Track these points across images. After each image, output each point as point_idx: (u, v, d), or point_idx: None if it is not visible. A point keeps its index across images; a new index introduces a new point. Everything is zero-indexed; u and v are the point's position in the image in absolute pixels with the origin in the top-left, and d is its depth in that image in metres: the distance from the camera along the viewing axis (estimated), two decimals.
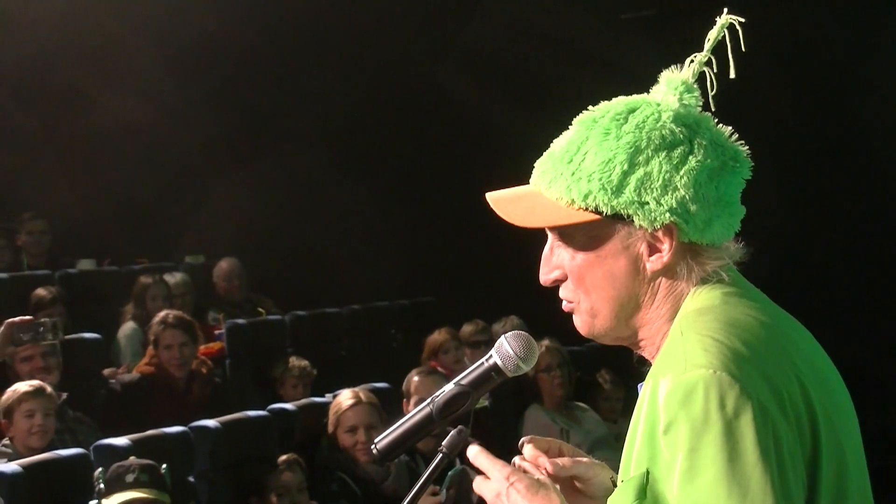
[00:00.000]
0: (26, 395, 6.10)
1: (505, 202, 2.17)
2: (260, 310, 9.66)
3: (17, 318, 6.77)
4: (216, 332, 8.91)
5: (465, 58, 10.80)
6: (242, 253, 10.07)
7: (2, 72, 10.59)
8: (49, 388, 6.23)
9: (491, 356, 2.26)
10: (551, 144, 2.18)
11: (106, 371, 7.98)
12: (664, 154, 2.07)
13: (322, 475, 6.34)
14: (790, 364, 2.00)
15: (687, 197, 2.06)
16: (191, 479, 6.33)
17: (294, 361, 8.16)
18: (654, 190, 2.06)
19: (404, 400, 6.84)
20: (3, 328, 6.70)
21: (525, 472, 2.16)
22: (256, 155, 11.06)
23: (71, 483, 5.81)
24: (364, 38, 10.87)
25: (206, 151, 11.05)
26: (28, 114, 10.93)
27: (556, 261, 2.17)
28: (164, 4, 10.40)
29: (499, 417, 7.47)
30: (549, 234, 2.18)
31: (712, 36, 2.16)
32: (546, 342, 7.65)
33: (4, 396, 6.15)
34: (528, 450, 2.25)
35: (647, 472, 1.96)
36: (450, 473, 5.60)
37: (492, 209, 2.18)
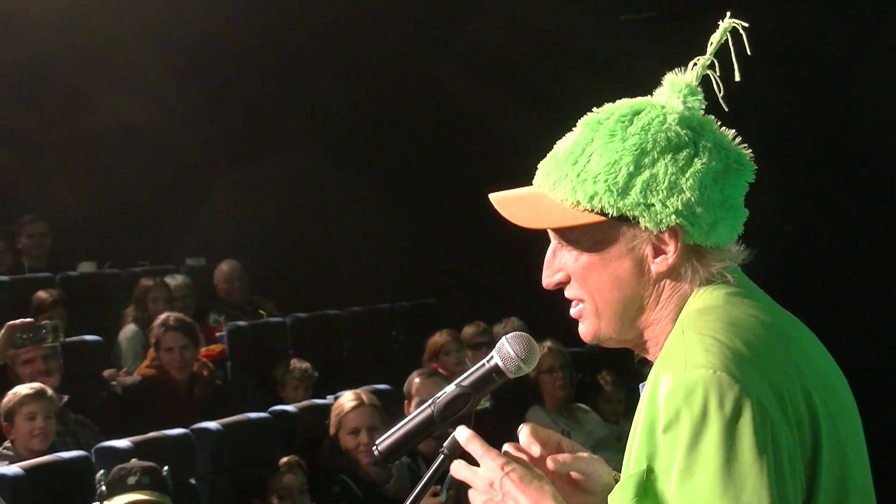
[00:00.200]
0: (27, 398, 6.10)
1: (509, 203, 2.17)
2: (261, 312, 9.66)
3: (18, 321, 6.80)
4: (217, 334, 8.91)
5: (466, 58, 10.79)
6: (243, 255, 10.07)
7: (2, 72, 10.59)
8: (50, 391, 6.23)
9: (492, 357, 2.26)
10: (555, 146, 2.18)
11: (107, 373, 7.99)
12: (670, 156, 2.07)
13: (323, 477, 6.34)
14: (792, 365, 2.00)
15: (692, 199, 2.06)
16: (192, 481, 6.33)
17: (295, 363, 8.16)
18: (660, 192, 2.06)
19: (405, 402, 6.84)
20: (4, 331, 6.72)
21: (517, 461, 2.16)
22: (257, 155, 11.05)
23: (72, 485, 5.81)
24: (364, 38, 10.87)
25: (206, 152, 11.05)
26: (28, 114, 10.93)
27: (558, 263, 2.17)
28: (164, 4, 10.41)
29: (500, 419, 7.45)
30: (552, 237, 2.18)
31: (715, 39, 2.16)
32: (548, 343, 7.64)
33: (5, 399, 6.15)
34: (523, 437, 2.25)
35: (647, 470, 1.96)
36: (450, 474, 5.60)
37: (495, 210, 2.18)
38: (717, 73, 2.16)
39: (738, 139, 2.15)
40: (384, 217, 11.00)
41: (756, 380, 1.92)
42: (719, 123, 2.16)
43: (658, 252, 2.10)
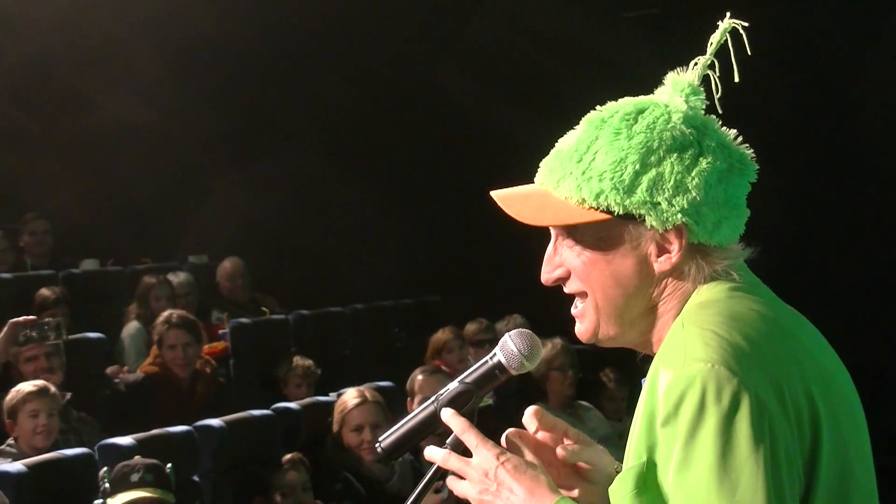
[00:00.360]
0: (30, 396, 6.10)
1: (513, 200, 2.17)
2: (263, 309, 9.66)
3: (20, 319, 6.79)
4: (220, 331, 8.91)
5: (466, 57, 10.80)
6: (245, 252, 10.08)
7: (3, 73, 10.59)
8: (53, 388, 6.23)
9: (495, 354, 2.26)
10: (557, 143, 2.18)
11: (110, 371, 7.99)
12: (675, 155, 2.08)
13: (326, 474, 6.35)
14: (793, 360, 2.01)
15: (698, 198, 2.06)
16: (195, 478, 6.34)
17: (298, 361, 8.16)
18: (667, 191, 2.06)
19: (408, 399, 6.85)
20: (6, 328, 6.72)
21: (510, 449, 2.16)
22: (258, 154, 11.07)
23: (76, 483, 5.81)
24: (364, 38, 10.87)
25: (207, 151, 11.06)
26: (29, 115, 10.93)
27: (558, 260, 2.17)
28: (164, 5, 10.41)
29: (503, 416, 7.47)
30: (553, 233, 2.18)
31: (714, 40, 2.17)
32: (559, 341, 7.63)
33: (9, 397, 6.15)
34: (528, 420, 2.25)
35: (647, 462, 1.97)
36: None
37: (497, 207, 2.18)
38: (717, 74, 2.17)
39: (740, 139, 2.15)
40: (387, 214, 11.01)
41: (755, 374, 1.93)
42: (721, 123, 2.17)
43: (662, 250, 2.10)
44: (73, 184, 10.70)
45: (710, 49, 2.17)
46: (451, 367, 7.76)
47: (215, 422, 6.52)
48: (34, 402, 6.09)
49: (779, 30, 9.16)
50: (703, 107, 2.16)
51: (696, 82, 2.16)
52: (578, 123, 2.18)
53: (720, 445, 1.88)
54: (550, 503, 2.06)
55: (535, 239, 2.21)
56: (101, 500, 5.50)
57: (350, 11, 10.69)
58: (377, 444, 2.27)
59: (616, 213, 2.08)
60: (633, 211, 2.07)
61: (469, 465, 2.14)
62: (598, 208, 2.09)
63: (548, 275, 2.19)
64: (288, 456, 6.18)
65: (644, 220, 2.08)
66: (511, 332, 2.27)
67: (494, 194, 2.19)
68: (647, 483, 1.97)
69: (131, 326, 8.75)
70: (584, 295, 2.16)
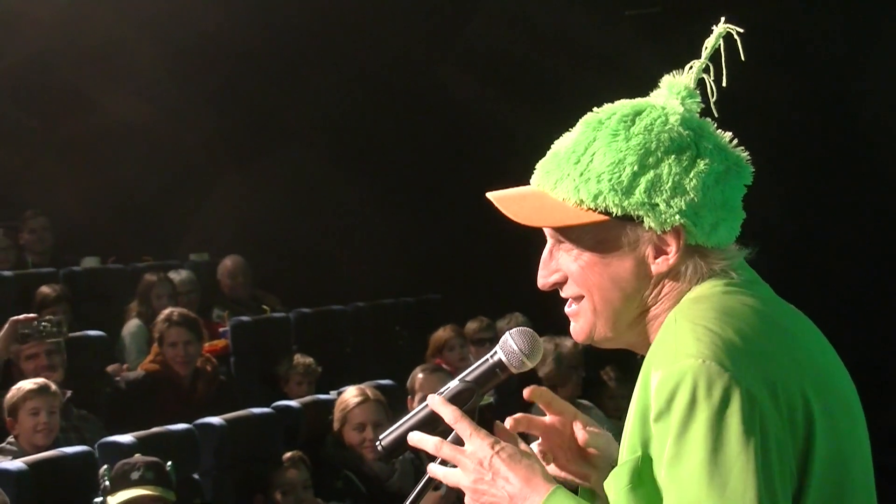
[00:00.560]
0: (31, 393, 6.10)
1: (510, 201, 2.17)
2: (264, 307, 9.66)
3: (21, 316, 6.80)
4: (221, 329, 8.92)
5: (467, 55, 10.80)
6: (246, 250, 10.08)
7: (3, 72, 10.59)
8: (54, 386, 6.23)
9: (496, 353, 2.27)
10: (553, 145, 2.19)
11: (110, 369, 7.99)
12: (673, 157, 2.08)
13: (327, 472, 6.35)
14: (787, 356, 2.01)
15: (696, 200, 2.07)
16: (196, 476, 6.34)
17: (299, 359, 8.16)
18: (665, 192, 2.07)
19: (409, 397, 6.85)
20: (7, 326, 6.73)
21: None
22: (259, 153, 11.07)
23: (76, 481, 5.81)
24: (364, 38, 10.88)
25: (207, 150, 11.07)
26: (30, 114, 10.94)
27: (555, 264, 2.18)
28: (164, 4, 10.41)
29: (504, 414, 7.46)
30: (550, 237, 2.19)
31: (709, 44, 2.18)
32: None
33: (9, 394, 6.15)
34: (537, 395, 2.28)
35: (641, 457, 1.98)
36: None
37: (497, 207, 2.19)
38: (712, 77, 2.18)
39: (736, 141, 2.16)
40: (388, 213, 11.01)
41: (746, 369, 1.93)
42: (721, 123, 2.17)
43: (659, 252, 2.11)
44: (74, 182, 10.71)
45: (705, 53, 2.18)
46: (451, 366, 7.76)
47: (216, 420, 6.52)
48: (35, 400, 6.09)
49: (779, 30, 9.17)
50: (699, 109, 2.17)
51: (692, 85, 2.17)
52: (578, 124, 2.19)
53: (711, 441, 1.89)
54: (546, 493, 2.06)
55: (536, 238, 2.22)
56: (101, 499, 5.51)
57: (350, 11, 10.69)
58: (378, 443, 2.28)
59: (614, 215, 2.08)
60: (632, 212, 2.08)
61: (463, 454, 2.13)
62: (596, 210, 2.09)
63: (544, 279, 2.19)
64: (288, 454, 6.18)
65: (642, 221, 2.08)
66: (512, 331, 2.27)
67: (491, 195, 2.19)
68: (643, 478, 1.98)
69: (132, 324, 8.75)
70: (580, 298, 2.16)
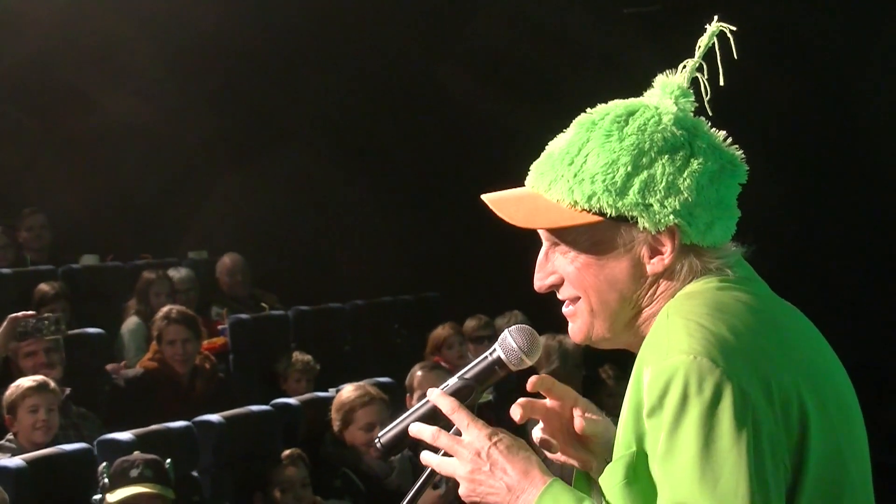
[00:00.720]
0: (30, 391, 6.11)
1: (505, 203, 2.17)
2: (263, 305, 9.66)
3: (20, 314, 6.80)
4: (219, 327, 8.92)
5: (466, 55, 10.80)
6: (245, 248, 10.08)
7: (3, 71, 10.59)
8: (53, 384, 6.24)
9: (494, 350, 2.27)
10: (547, 146, 2.19)
11: (109, 366, 7.99)
12: (667, 157, 2.09)
13: (326, 470, 6.35)
14: (781, 353, 2.01)
15: (690, 199, 2.07)
16: (194, 473, 6.34)
17: (297, 356, 8.17)
18: (658, 192, 2.07)
19: (407, 395, 6.85)
20: (6, 323, 6.73)
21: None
22: (258, 153, 11.07)
23: (75, 478, 5.82)
24: (364, 37, 10.87)
25: (207, 149, 11.07)
26: (30, 114, 10.93)
27: (551, 266, 2.18)
28: (164, 4, 10.41)
29: (503, 411, 7.47)
30: (545, 239, 2.19)
31: (703, 43, 2.18)
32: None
33: (8, 392, 6.16)
34: (539, 384, 2.28)
35: (635, 453, 1.99)
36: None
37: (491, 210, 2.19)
38: (707, 76, 2.18)
39: (730, 140, 2.16)
40: (386, 211, 11.01)
41: (738, 365, 1.94)
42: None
43: (654, 252, 2.11)
44: (73, 181, 10.71)
45: (699, 52, 2.18)
46: (450, 364, 7.77)
47: (214, 417, 6.53)
48: (34, 398, 6.09)
49: (779, 29, 9.17)
50: (693, 109, 2.17)
51: (686, 84, 2.17)
52: (571, 125, 2.19)
53: (702, 436, 1.89)
54: (543, 485, 2.06)
55: (535, 236, 2.22)
56: (100, 496, 5.51)
57: (349, 12, 10.69)
58: (376, 440, 2.28)
59: (608, 215, 2.09)
60: (626, 213, 2.08)
61: (460, 444, 2.14)
62: (590, 210, 2.09)
63: (541, 282, 2.20)
64: (287, 452, 6.18)
65: (637, 221, 2.08)
66: (510, 329, 2.27)
67: (486, 197, 2.19)
68: (637, 473, 1.99)
69: (131, 322, 8.75)
70: (577, 299, 2.17)
